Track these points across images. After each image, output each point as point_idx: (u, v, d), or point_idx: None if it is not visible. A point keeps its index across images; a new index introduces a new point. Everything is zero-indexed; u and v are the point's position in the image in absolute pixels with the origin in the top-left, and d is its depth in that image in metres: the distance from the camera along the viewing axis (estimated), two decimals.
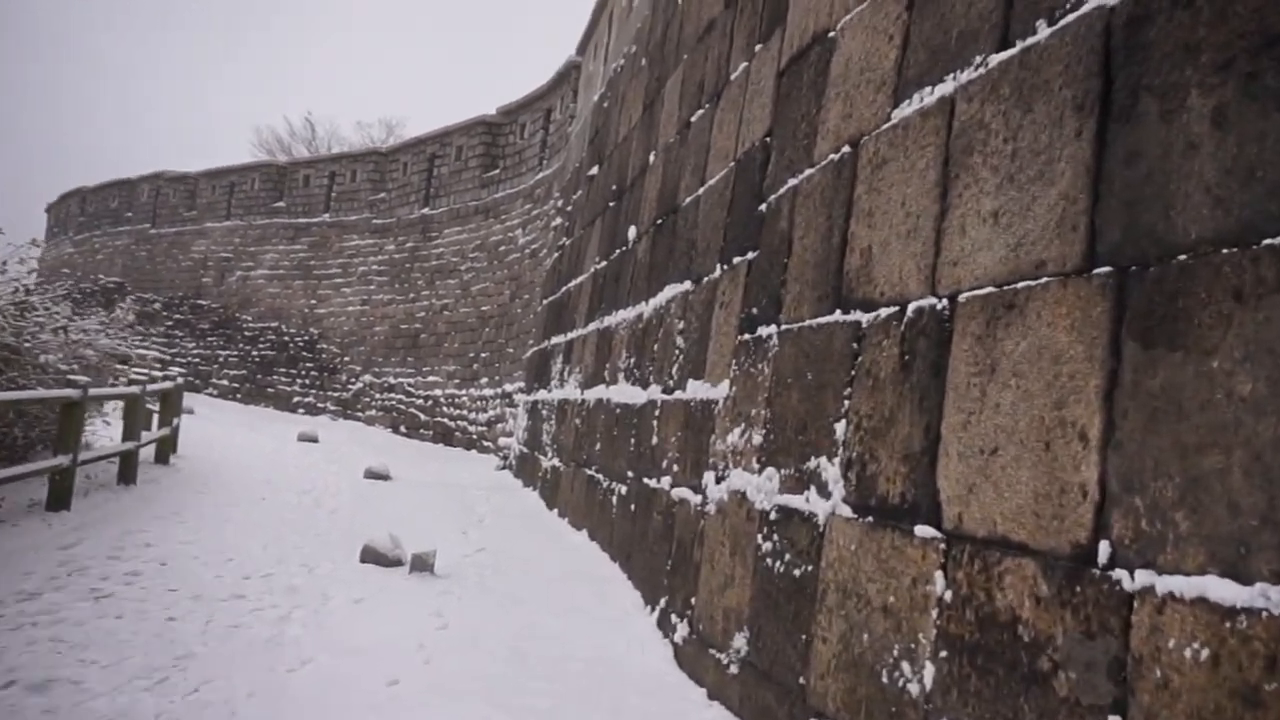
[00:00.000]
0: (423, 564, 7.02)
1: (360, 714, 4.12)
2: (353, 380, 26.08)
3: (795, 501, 3.77)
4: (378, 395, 24.70)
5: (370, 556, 7.54)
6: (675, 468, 5.70)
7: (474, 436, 19.77)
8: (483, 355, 20.52)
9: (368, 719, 4.07)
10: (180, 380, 14.72)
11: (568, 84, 18.49)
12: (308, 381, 27.52)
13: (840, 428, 3.54)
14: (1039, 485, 2.44)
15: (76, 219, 40.89)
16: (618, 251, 9.34)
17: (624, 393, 7.72)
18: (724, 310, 5.33)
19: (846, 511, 3.38)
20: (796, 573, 3.66)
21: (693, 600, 4.82)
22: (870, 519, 3.22)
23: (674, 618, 5.09)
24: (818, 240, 4.10)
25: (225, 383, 29.94)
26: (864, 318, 3.55)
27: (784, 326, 4.29)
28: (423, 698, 4.45)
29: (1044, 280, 2.58)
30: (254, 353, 29.17)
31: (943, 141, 3.22)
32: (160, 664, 4.60)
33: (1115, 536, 2.18)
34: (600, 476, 8.17)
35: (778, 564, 3.83)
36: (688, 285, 6.32)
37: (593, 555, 7.74)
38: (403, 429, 23.12)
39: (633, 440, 7.11)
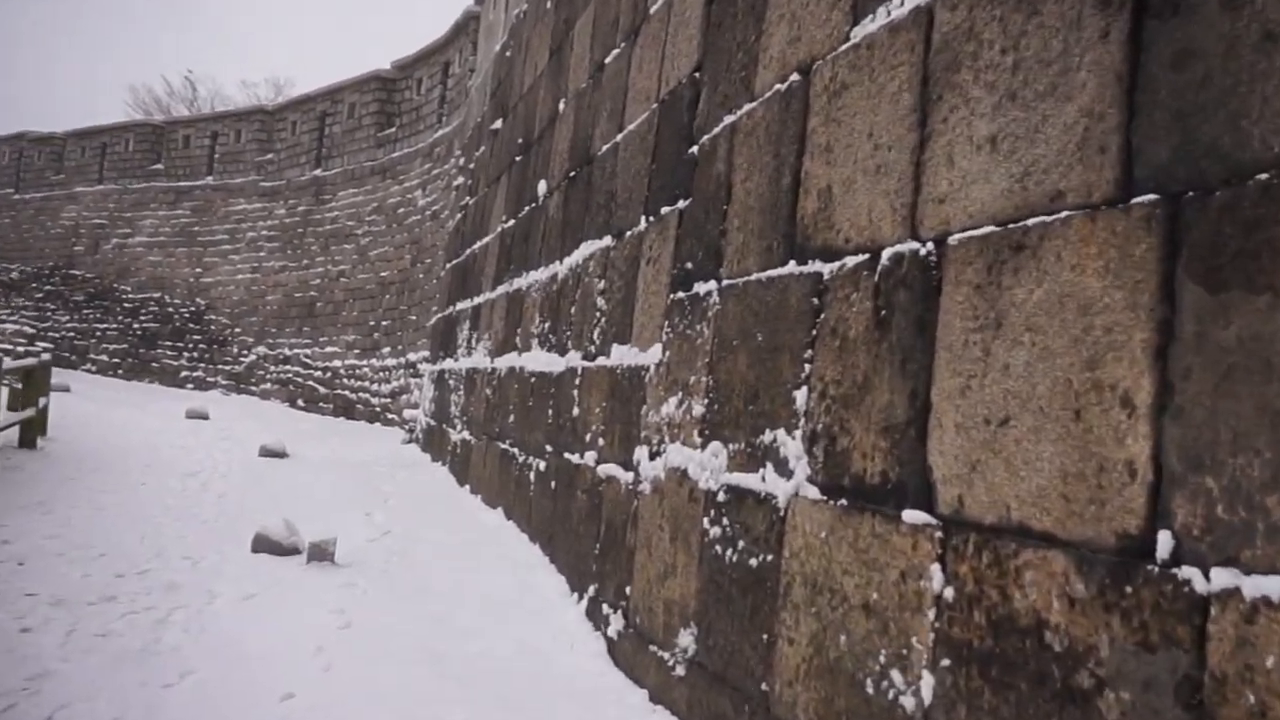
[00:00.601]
0: (322, 552, 6.37)
1: None
2: (245, 352, 24.69)
3: (749, 481, 3.31)
4: (273, 368, 23.43)
5: (263, 545, 6.85)
6: (601, 442, 5.19)
7: (377, 409, 18.88)
8: (384, 323, 19.57)
9: None
10: (48, 356, 13.47)
11: (466, 36, 17.54)
12: (196, 355, 25.96)
13: (801, 396, 3.08)
14: (1068, 462, 2.02)
15: None
16: (526, 209, 8.71)
17: (539, 360, 7.16)
18: (652, 267, 4.82)
19: (813, 493, 2.93)
20: (753, 562, 3.20)
21: (628, 590, 4.34)
22: (843, 502, 2.78)
23: (606, 608, 4.60)
24: (764, 182, 3.61)
25: (105, 358, 28.07)
26: (826, 268, 3.08)
27: (726, 282, 3.80)
28: (321, 714, 3.88)
29: (1063, 215, 2.14)
30: (135, 325, 27.37)
31: (919, 59, 2.75)
32: (8, 687, 3.90)
33: (1179, 526, 1.77)
34: (515, 451, 7.61)
35: (729, 552, 3.37)
36: (608, 241, 5.78)
37: (510, 537, 7.20)
38: (301, 403, 21.99)
39: (551, 412, 6.57)
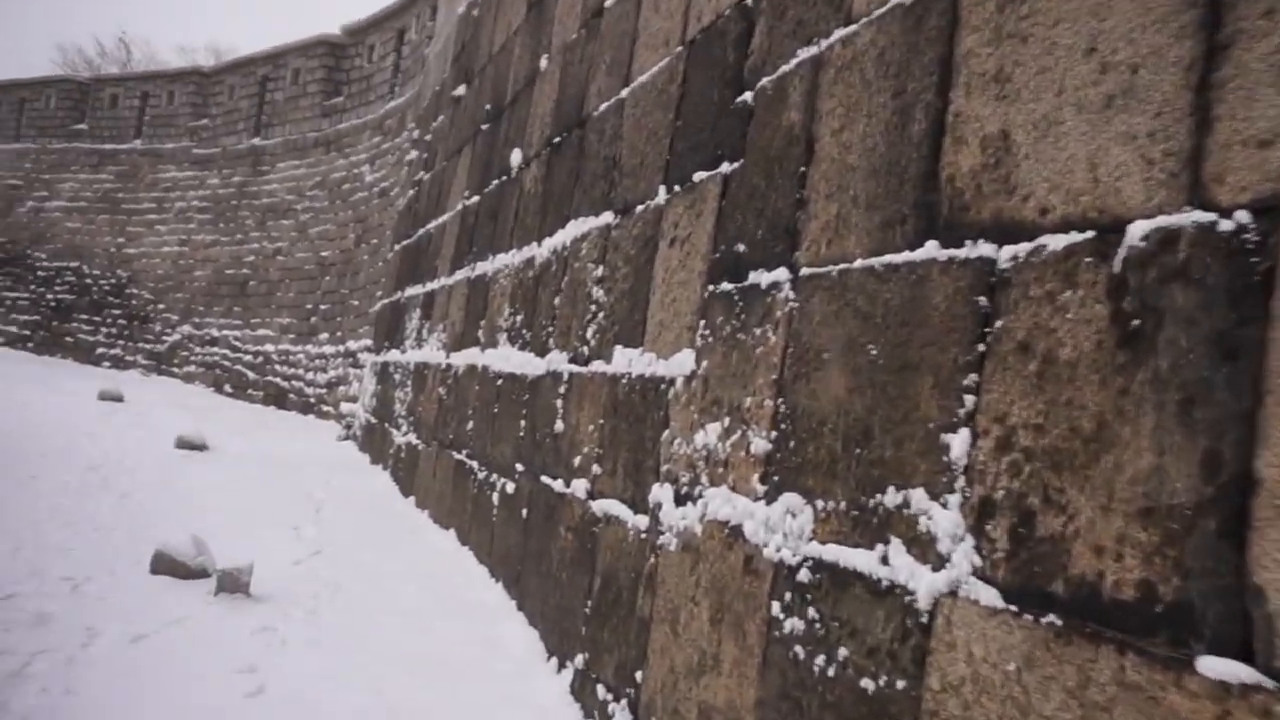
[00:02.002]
0: (234, 582, 5.17)
1: None
2: (169, 331, 22.94)
3: (857, 560, 2.26)
4: (198, 349, 21.77)
5: (164, 565, 5.63)
6: (597, 469, 4.10)
7: (311, 400, 17.46)
8: (322, 307, 18.13)
9: None
10: None
11: (425, 0, 16.24)
12: (114, 331, 24.09)
13: (958, 442, 2.04)
14: None
15: None
16: (495, 182, 7.57)
17: (508, 359, 6.04)
18: (677, 249, 3.75)
19: (987, 595, 1.90)
20: (867, 685, 2.15)
21: (638, 676, 3.26)
22: (1054, 619, 1.75)
23: (603, 692, 3.52)
24: (875, 132, 2.57)
25: (14, 329, 26.00)
26: (1003, 252, 2.05)
27: (807, 271, 2.75)
28: None
29: None
30: (49, 296, 25.36)
31: None
32: None
33: None
34: (475, 465, 6.48)
35: (819, 659, 2.32)
36: (607, 218, 4.70)
37: (465, 567, 6.07)
38: (228, 389, 20.41)
39: (524, 424, 5.46)
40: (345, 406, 13.82)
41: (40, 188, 26.53)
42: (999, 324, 2.02)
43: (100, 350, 24.08)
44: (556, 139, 6.02)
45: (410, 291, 10.55)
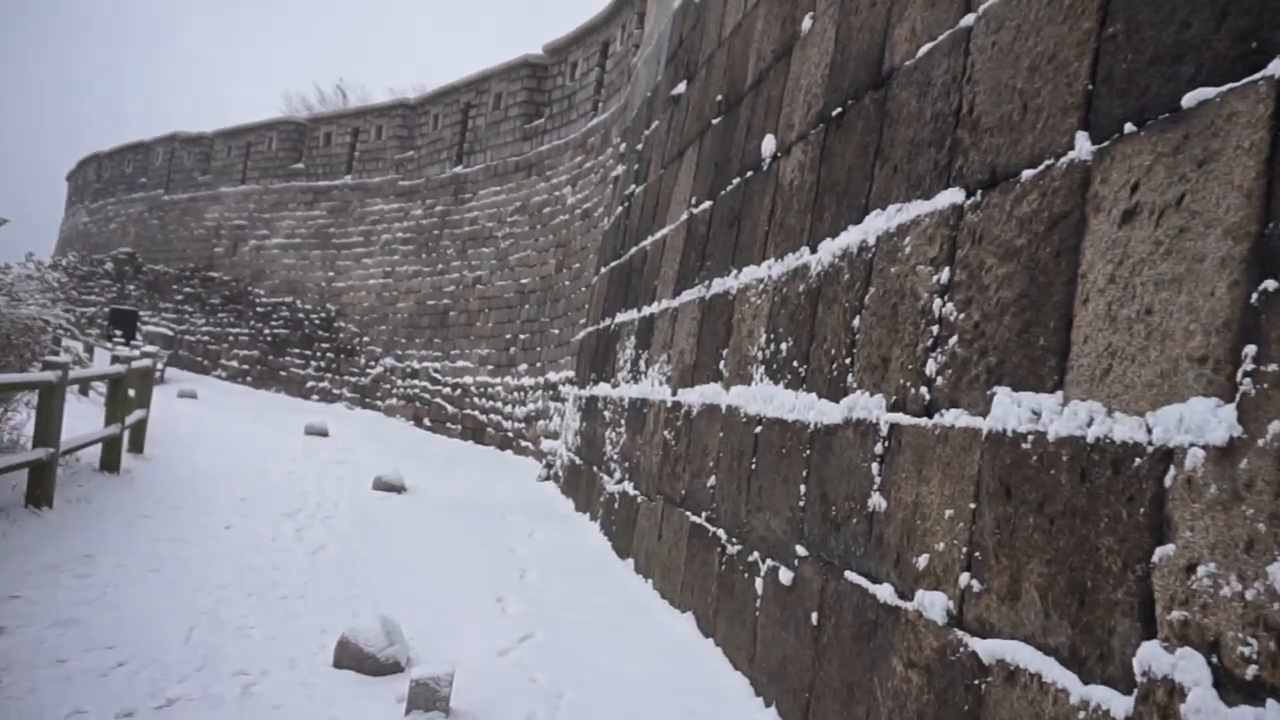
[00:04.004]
0: (431, 697, 3.96)
1: None
2: (372, 364, 23.12)
3: None
4: (399, 381, 21.73)
5: (349, 657, 4.57)
6: (973, 582, 2.57)
7: (509, 434, 16.71)
8: (521, 337, 17.43)
9: None
10: (147, 361, 11.80)
11: (630, 8, 15.28)
12: (323, 364, 24.60)
13: None
14: None
15: (93, 186, 38.40)
16: (734, 182, 6.22)
17: (770, 399, 4.60)
18: (1142, 226, 2.20)
19: None
20: None
21: None
22: None
23: None
24: None
25: (235, 364, 27.19)
26: None
27: None
28: None
29: None
30: (266, 331, 26.31)
31: None
32: None
33: None
34: (721, 534, 5.07)
35: None
36: (950, 198, 3.20)
37: (715, 672, 4.63)
38: (427, 422, 20.13)
39: (803, 489, 4.00)
40: (546, 444, 12.84)
41: (261, 226, 27.75)
42: None
43: (310, 383, 24.65)
44: (836, 110, 4.57)
45: (622, 317, 9.36)
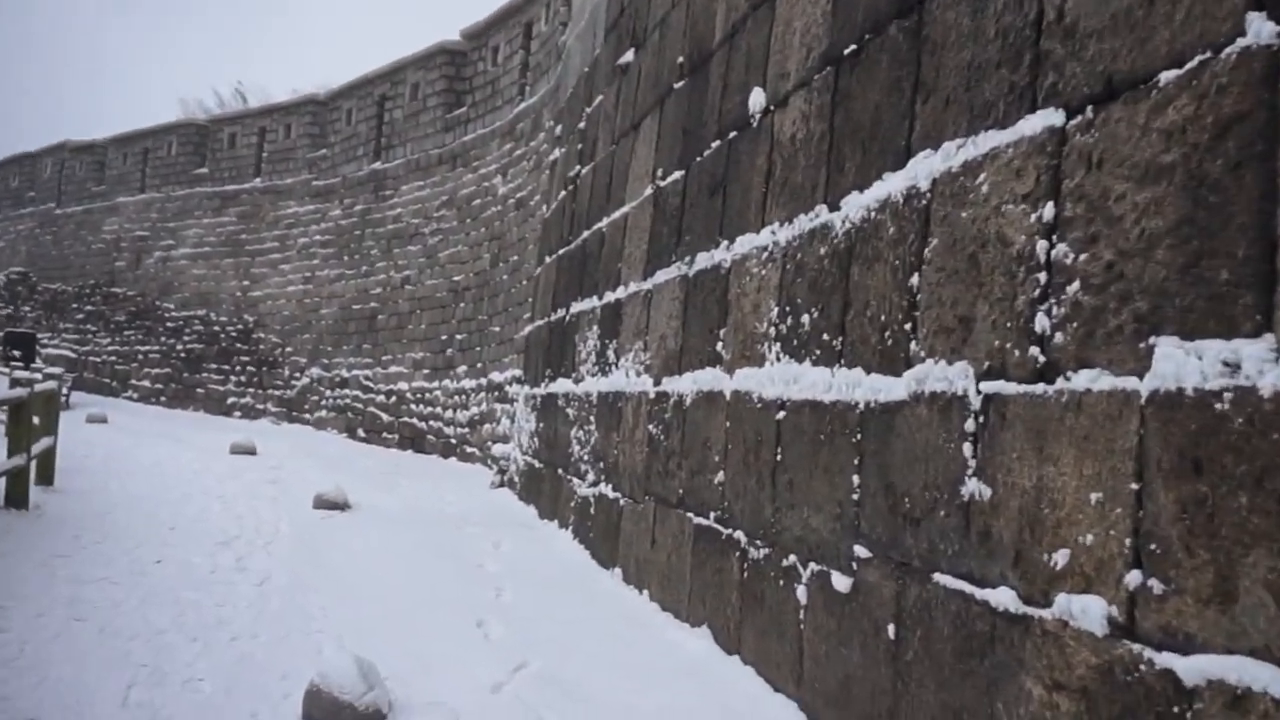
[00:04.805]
0: None
1: None
2: (297, 375, 21.93)
3: None
4: (328, 392, 20.64)
5: (322, 709, 3.92)
6: (1152, 582, 2.04)
7: (452, 441, 15.88)
8: (459, 337, 16.59)
9: None
10: (53, 383, 10.69)
11: None
12: (244, 379, 23.27)
13: None
14: None
15: None
16: (713, 146, 5.64)
17: (796, 379, 4.04)
18: None
19: None
20: None
21: None
22: None
23: None
24: None
25: (147, 384, 25.60)
26: None
27: None
28: None
29: None
30: (179, 347, 24.81)
31: None
32: None
33: None
34: (740, 536, 4.49)
35: None
36: (1036, 124, 2.68)
37: (750, 695, 4.04)
38: (361, 433, 19.12)
39: (855, 479, 3.45)
40: (497, 449, 12.11)
41: (166, 236, 26.18)
42: None
43: (231, 399, 23.32)
44: (849, 49, 4.02)
45: (579, 307, 8.72)
